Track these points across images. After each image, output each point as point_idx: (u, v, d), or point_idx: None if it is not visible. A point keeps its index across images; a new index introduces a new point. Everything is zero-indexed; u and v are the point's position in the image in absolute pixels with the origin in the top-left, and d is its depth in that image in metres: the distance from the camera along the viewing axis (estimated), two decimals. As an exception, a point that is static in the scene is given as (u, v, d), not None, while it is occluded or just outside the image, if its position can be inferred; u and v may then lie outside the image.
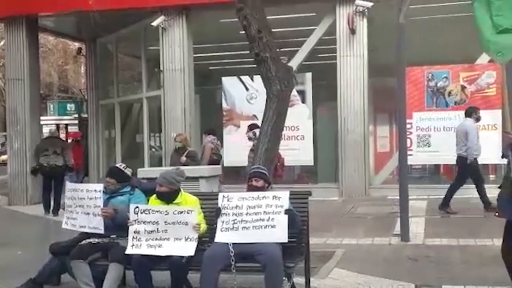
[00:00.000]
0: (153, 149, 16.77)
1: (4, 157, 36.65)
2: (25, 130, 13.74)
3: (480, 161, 9.54)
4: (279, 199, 4.97)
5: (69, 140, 18.57)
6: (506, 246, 4.75)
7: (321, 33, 12.60)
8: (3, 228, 8.91)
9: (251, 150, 8.90)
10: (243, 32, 6.53)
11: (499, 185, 4.87)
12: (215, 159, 10.41)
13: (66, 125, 25.06)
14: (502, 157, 4.64)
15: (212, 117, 15.08)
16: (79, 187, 5.57)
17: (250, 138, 8.99)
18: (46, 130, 18.17)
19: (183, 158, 9.74)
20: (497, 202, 4.92)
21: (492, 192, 7.86)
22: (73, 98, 33.27)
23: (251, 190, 5.24)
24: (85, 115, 21.22)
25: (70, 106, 26.79)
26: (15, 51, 13.82)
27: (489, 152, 9.78)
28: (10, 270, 6.74)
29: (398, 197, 7.83)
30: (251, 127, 9.15)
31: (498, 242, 5.21)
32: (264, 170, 5.46)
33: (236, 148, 11.82)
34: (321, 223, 8.19)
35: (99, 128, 17.12)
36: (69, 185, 5.68)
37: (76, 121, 23.98)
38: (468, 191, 9.97)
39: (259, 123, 12.46)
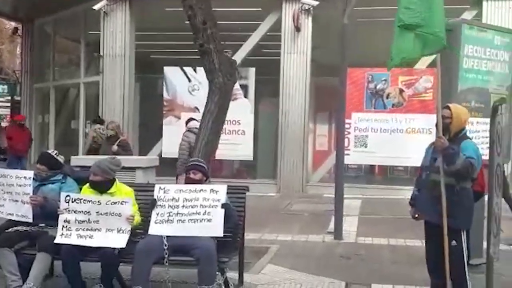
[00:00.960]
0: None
1: None
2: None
3: (413, 163, 9.79)
4: (216, 192, 4.91)
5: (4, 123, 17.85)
6: (428, 248, 4.86)
7: (266, 28, 12.63)
8: None
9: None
10: (188, 22, 6.42)
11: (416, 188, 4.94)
12: (94, 147, 10.52)
13: (-3, 106, 24.05)
14: (435, 161, 4.72)
15: (151, 106, 14.81)
16: (7, 173, 5.30)
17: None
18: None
19: (115, 147, 9.44)
20: (412, 204, 4.94)
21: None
22: (6, 79, 31.91)
23: (189, 182, 5.15)
24: (18, 98, 20.43)
25: (3, 88, 25.59)
26: None
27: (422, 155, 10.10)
28: None
29: (333, 195, 7.94)
30: (188, 121, 9.09)
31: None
32: (203, 163, 5.38)
33: (176, 139, 11.60)
34: (257, 219, 8.18)
35: (32, 112, 16.52)
36: None
37: (8, 104, 23.00)
38: (401, 192, 10.23)
39: (197, 117, 12.50)
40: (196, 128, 8.48)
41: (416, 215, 4.94)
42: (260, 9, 12.70)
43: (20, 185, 5.14)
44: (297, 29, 11.96)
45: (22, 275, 4.92)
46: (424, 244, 4.95)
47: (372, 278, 5.84)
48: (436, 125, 4.77)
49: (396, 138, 11.88)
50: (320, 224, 8.70)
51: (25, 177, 5.16)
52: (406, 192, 9.80)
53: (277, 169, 12.39)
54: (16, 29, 18.28)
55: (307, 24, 12.10)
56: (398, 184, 12.55)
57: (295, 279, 5.76)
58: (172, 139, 12.32)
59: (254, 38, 12.64)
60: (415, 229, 8.13)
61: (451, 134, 4.72)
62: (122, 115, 12.53)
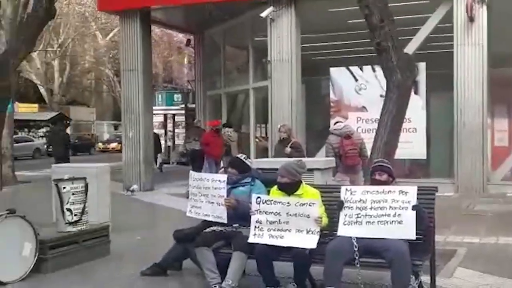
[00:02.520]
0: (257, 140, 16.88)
1: (113, 145, 38.94)
2: (139, 119, 14.31)
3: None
4: (406, 194, 4.78)
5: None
6: None
7: (437, 21, 12.07)
8: (120, 214, 9.31)
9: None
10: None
11: None
12: (224, 149, 12.44)
13: (173, 115, 25.87)
14: None
15: (317, 107, 14.98)
16: (204, 177, 5.66)
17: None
18: (155, 120, 18.90)
19: (288, 149, 9.69)
20: None
21: None
22: (179, 88, 34.35)
23: (375, 184, 5.08)
24: (192, 105, 21.83)
25: (177, 97, 27.55)
26: (130, 43, 14.38)
27: None
28: (131, 255, 7.06)
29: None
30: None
31: None
32: (388, 164, 5.28)
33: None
34: (439, 220, 7.81)
35: (206, 118, 17.51)
36: (194, 174, 5.80)
37: (183, 111, 24.68)
38: None
39: (365, 116, 12.36)
40: (336, 129, 8.88)
41: None
42: (428, 1, 12.20)
43: (215, 188, 5.46)
44: (471, 19, 11.29)
45: (220, 274, 5.22)
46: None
47: None
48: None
49: None
50: (508, 225, 8.12)
51: (219, 181, 5.48)
52: None
53: (454, 167, 11.78)
54: (188, 40, 19.51)
55: (481, 13, 11.36)
56: None
57: (490, 283, 5.44)
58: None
59: (424, 32, 12.15)
60: None
61: None
62: (291, 117, 12.75)
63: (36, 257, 5.92)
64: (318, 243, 4.93)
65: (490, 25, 11.45)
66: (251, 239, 5.09)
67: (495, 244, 7.18)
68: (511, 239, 7.31)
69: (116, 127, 46.29)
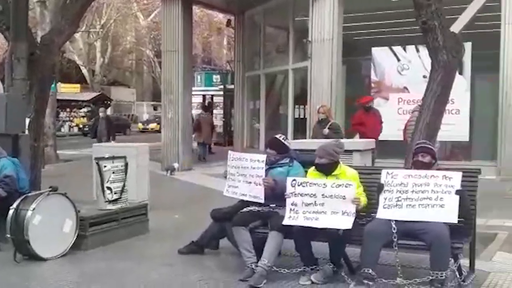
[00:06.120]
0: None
1: (152, 125, 39.40)
2: (179, 100, 14.37)
3: None
4: (449, 179, 4.69)
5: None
6: None
7: (484, -1, 11.67)
8: (159, 193, 9.43)
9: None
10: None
11: None
12: None
13: (212, 96, 26.00)
14: None
15: (357, 88, 14.74)
16: (243, 156, 5.64)
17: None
18: (194, 101, 18.97)
19: (326, 130, 9.57)
20: None
21: None
22: (218, 69, 34.43)
23: (417, 165, 5.00)
24: (230, 86, 21.83)
25: (216, 78, 27.68)
26: (171, 24, 14.41)
27: None
28: (170, 233, 7.15)
29: None
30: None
31: None
32: (431, 145, 5.18)
33: (385, 121, 11.40)
34: (480, 203, 7.67)
35: (244, 98, 17.51)
36: (233, 154, 5.78)
37: (221, 92, 24.75)
38: None
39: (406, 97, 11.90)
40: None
41: None
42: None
43: (254, 168, 5.44)
44: (520, -3, 10.89)
45: (256, 253, 5.23)
46: None
47: None
48: None
49: None
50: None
51: (258, 160, 5.45)
52: None
53: (497, 150, 11.47)
54: (229, 21, 19.44)
55: (530, -10, 10.95)
56: None
57: (530, 268, 5.29)
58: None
59: (471, 11, 11.74)
60: None
61: None
62: (330, 98, 12.58)
63: (77, 234, 6.04)
64: (355, 225, 4.88)
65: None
66: (286, 221, 5.06)
67: (537, 229, 6.98)
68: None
69: (155, 108, 46.83)
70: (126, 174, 6.78)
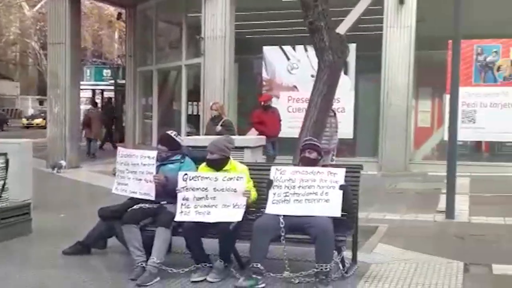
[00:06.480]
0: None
1: (37, 120, 37.55)
2: (65, 94, 13.84)
3: None
4: (334, 175, 4.90)
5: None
6: None
7: (368, 3, 12.27)
8: (44, 192, 9.03)
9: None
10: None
11: None
12: None
13: (102, 90, 25.23)
14: None
15: (249, 86, 14.96)
16: (133, 153, 5.51)
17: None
18: (82, 95, 18.31)
19: (218, 127, 9.63)
20: None
21: None
22: (109, 64, 33.46)
23: (305, 161, 5.16)
24: (122, 81, 21.31)
25: (106, 72, 26.91)
26: (57, 15, 13.82)
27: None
28: (54, 233, 6.85)
29: (438, 174, 7.66)
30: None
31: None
32: (317, 142, 5.37)
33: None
34: (361, 198, 8.10)
35: (136, 94, 17.17)
36: (122, 150, 5.64)
37: (112, 87, 24.08)
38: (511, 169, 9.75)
39: (296, 96, 12.27)
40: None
41: None
42: (359, -18, 12.38)
43: (144, 164, 5.34)
44: (401, 1, 11.56)
45: (146, 252, 5.14)
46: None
47: (491, 258, 5.60)
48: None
49: (507, 113, 11.30)
50: (428, 203, 8.46)
51: (149, 157, 5.35)
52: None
53: (379, 147, 12.15)
54: (119, 14, 18.94)
55: (411, -4, 11.66)
56: (508, 161, 11.98)
57: (410, 259, 5.64)
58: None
59: (356, 13, 12.32)
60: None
61: None
62: (223, 95, 12.68)
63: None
64: (244, 220, 4.97)
65: (419, 8, 11.75)
66: (178, 218, 5.05)
67: (414, 221, 7.45)
68: (430, 216, 7.61)
69: (41, 102, 44.66)
70: (7, 171, 6.42)
